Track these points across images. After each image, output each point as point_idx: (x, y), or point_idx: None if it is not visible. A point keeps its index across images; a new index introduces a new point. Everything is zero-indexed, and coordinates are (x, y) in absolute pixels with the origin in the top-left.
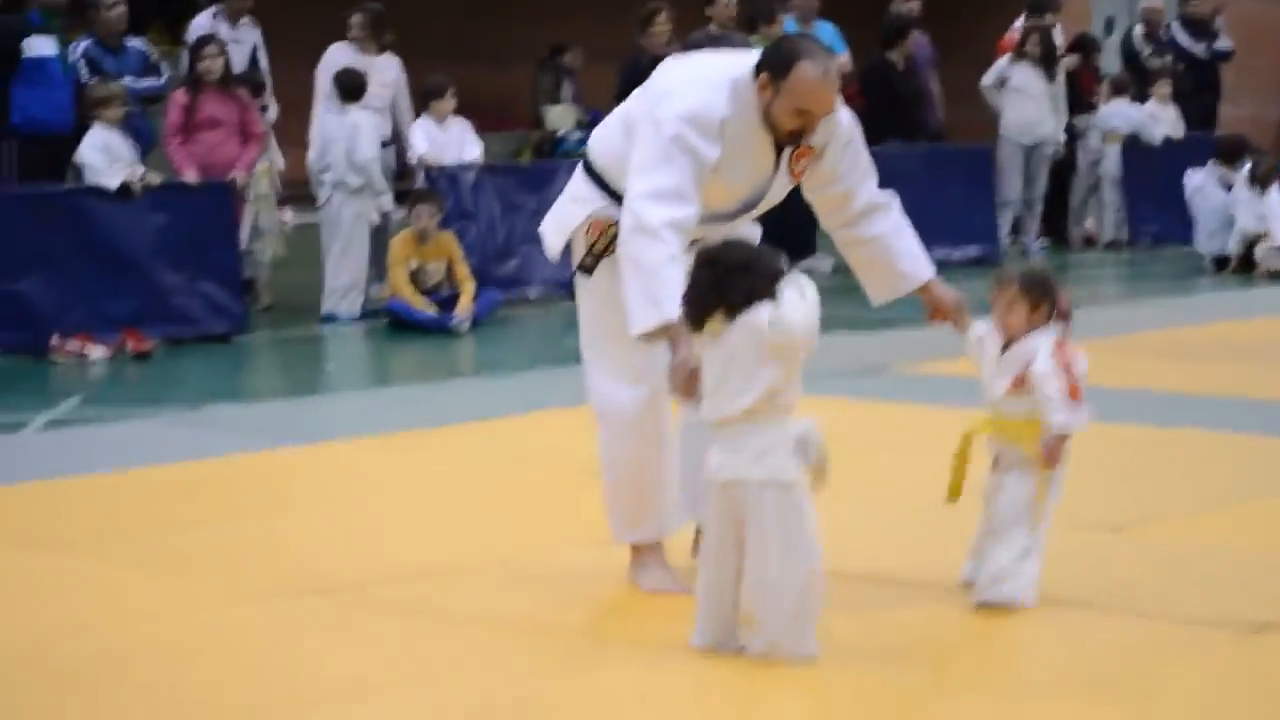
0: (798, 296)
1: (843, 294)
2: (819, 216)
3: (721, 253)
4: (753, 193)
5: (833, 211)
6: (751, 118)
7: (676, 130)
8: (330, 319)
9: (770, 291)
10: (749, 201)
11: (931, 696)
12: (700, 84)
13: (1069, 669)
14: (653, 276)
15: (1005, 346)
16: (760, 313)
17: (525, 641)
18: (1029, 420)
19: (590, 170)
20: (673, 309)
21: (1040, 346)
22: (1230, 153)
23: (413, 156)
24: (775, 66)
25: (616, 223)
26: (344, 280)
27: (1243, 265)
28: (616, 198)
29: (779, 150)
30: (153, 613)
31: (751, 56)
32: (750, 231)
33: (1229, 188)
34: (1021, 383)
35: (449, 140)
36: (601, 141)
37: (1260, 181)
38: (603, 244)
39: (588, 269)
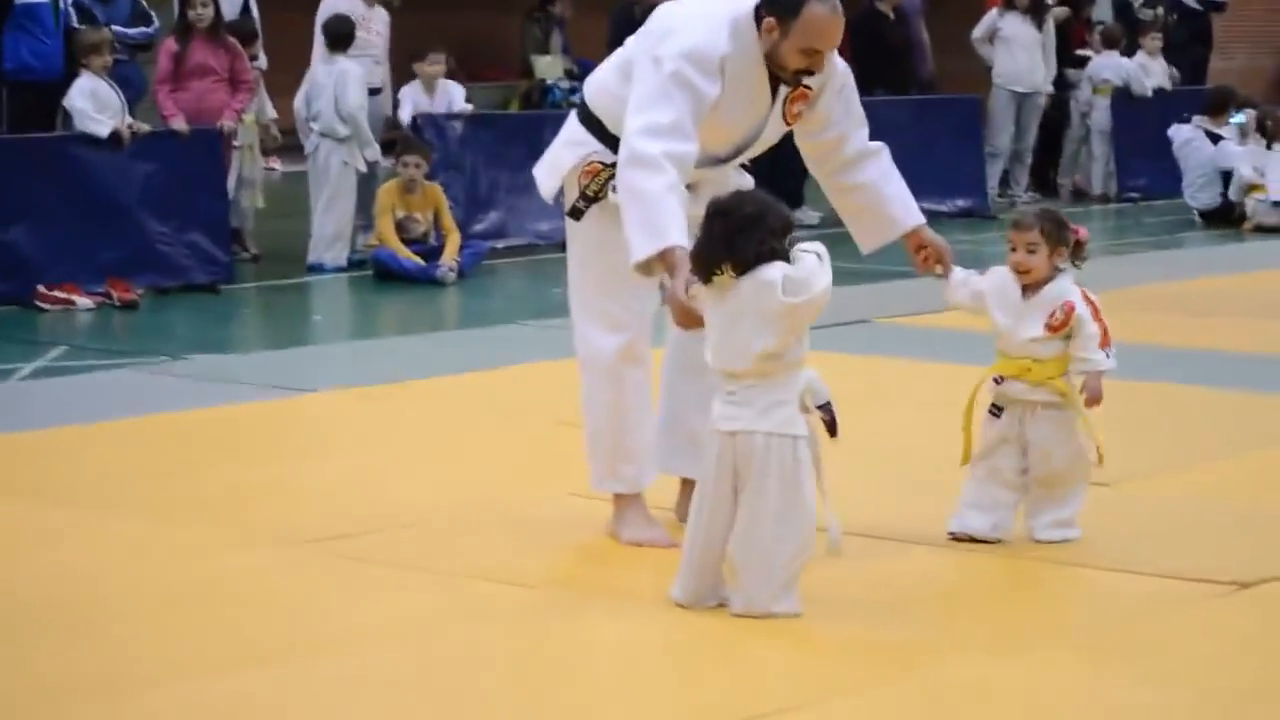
0: (816, 261)
1: (827, 246)
2: (809, 164)
3: (733, 205)
4: (747, 135)
5: (823, 158)
6: (751, 57)
7: (676, 66)
8: (317, 268)
9: (781, 246)
10: (743, 144)
11: (916, 651)
12: (700, 21)
13: (1055, 624)
14: (652, 205)
15: (1025, 290)
16: (773, 270)
17: (510, 592)
18: (1058, 359)
19: (585, 114)
20: (672, 237)
21: (1070, 289)
22: (1217, 106)
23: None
24: (784, 7)
25: (610, 167)
26: (330, 229)
27: (1230, 218)
28: (611, 142)
29: (774, 93)
30: (142, 561)
31: (745, 1)
32: (742, 181)
33: (1216, 140)
34: (1060, 325)
35: (435, 107)
36: (598, 85)
37: (1266, 134)
38: (595, 188)
39: (578, 213)
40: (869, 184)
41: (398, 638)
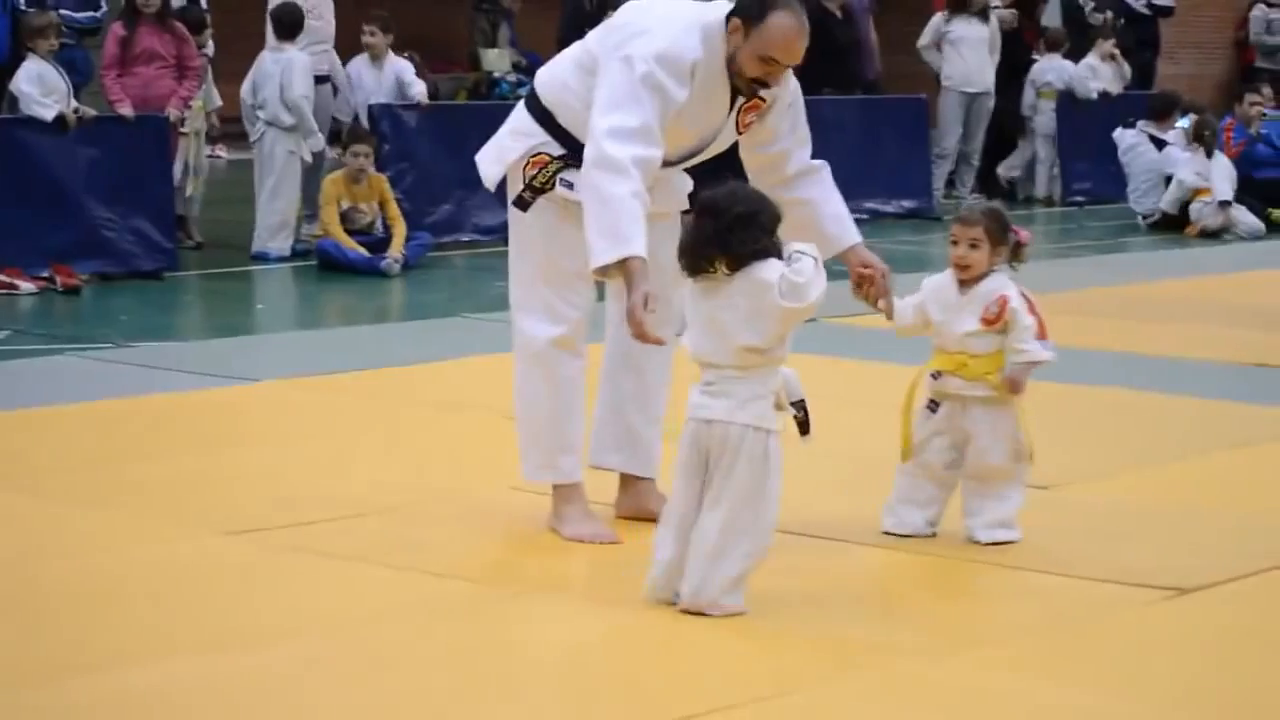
0: (813, 266)
1: None
2: (751, 176)
3: (726, 201)
4: (701, 140)
5: (765, 172)
6: (718, 63)
7: (648, 68)
8: (261, 257)
9: (773, 243)
10: (695, 149)
11: (853, 650)
12: (673, 24)
13: (992, 625)
14: (616, 211)
15: (962, 285)
16: (769, 271)
17: (452, 585)
18: (993, 355)
19: (536, 106)
20: (633, 246)
21: (1005, 283)
22: (1162, 110)
23: (343, 101)
24: (751, 11)
25: (557, 159)
26: (275, 219)
27: (1175, 223)
28: (561, 136)
29: (732, 101)
30: (83, 548)
31: (720, 5)
32: (684, 183)
33: (1161, 145)
34: (995, 319)
35: (382, 79)
36: (552, 78)
37: (1203, 143)
38: (542, 179)
39: (524, 204)
40: (808, 201)
41: (339, 629)
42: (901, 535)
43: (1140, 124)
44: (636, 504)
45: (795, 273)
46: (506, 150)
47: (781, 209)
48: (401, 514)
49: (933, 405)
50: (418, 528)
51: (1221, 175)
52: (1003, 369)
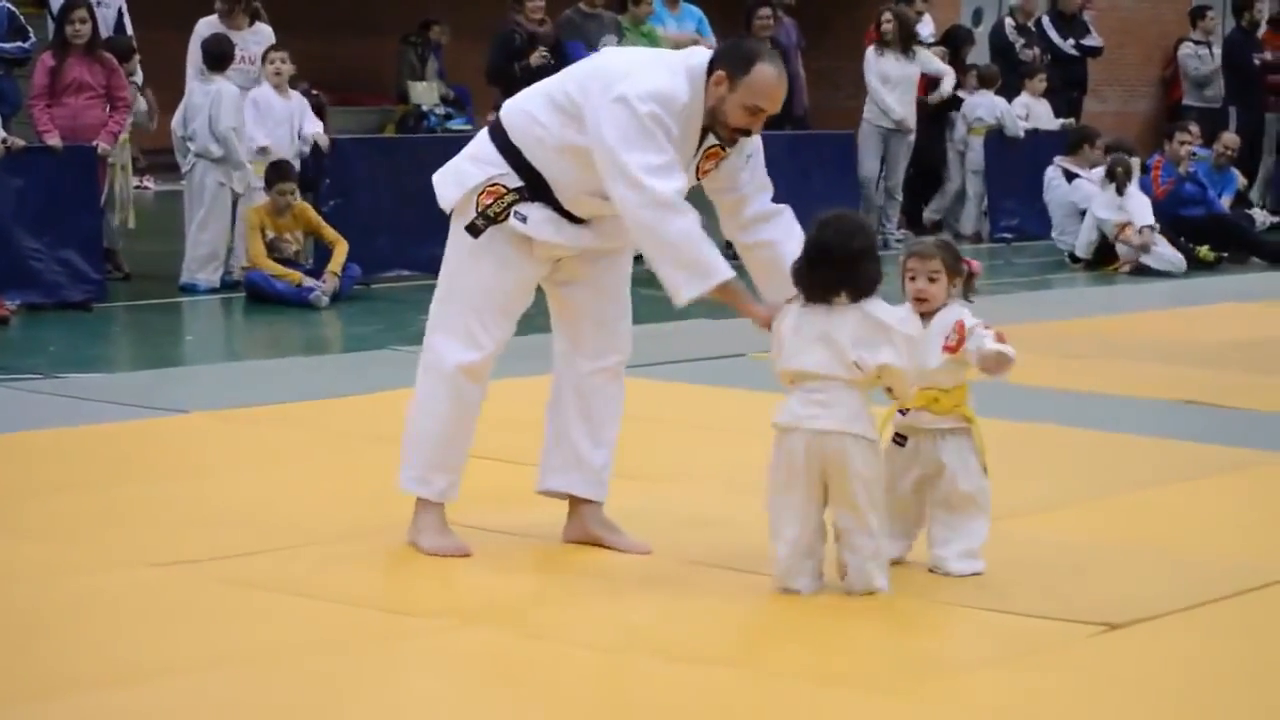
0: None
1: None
2: (720, 218)
3: (846, 234)
4: None
5: (725, 215)
6: (697, 109)
7: (649, 108)
8: (189, 288)
9: (878, 275)
10: None
11: (781, 687)
12: (659, 67)
13: (926, 662)
14: (692, 243)
15: (922, 319)
16: (886, 311)
17: (380, 618)
18: (961, 386)
19: (500, 137)
20: (723, 270)
21: (959, 310)
22: (1074, 144)
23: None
24: (736, 63)
25: (512, 191)
26: (204, 250)
27: (1099, 260)
28: (523, 169)
29: (698, 146)
30: (6, 580)
31: (699, 52)
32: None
33: (1073, 179)
34: (956, 345)
35: (288, 110)
36: (520, 113)
37: (1116, 180)
38: (496, 209)
39: (476, 231)
40: (769, 242)
41: (266, 660)
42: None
43: (1056, 159)
44: (583, 529)
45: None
46: (465, 175)
47: (746, 251)
48: (329, 546)
49: (899, 439)
50: (345, 560)
51: (1138, 205)
52: (965, 399)
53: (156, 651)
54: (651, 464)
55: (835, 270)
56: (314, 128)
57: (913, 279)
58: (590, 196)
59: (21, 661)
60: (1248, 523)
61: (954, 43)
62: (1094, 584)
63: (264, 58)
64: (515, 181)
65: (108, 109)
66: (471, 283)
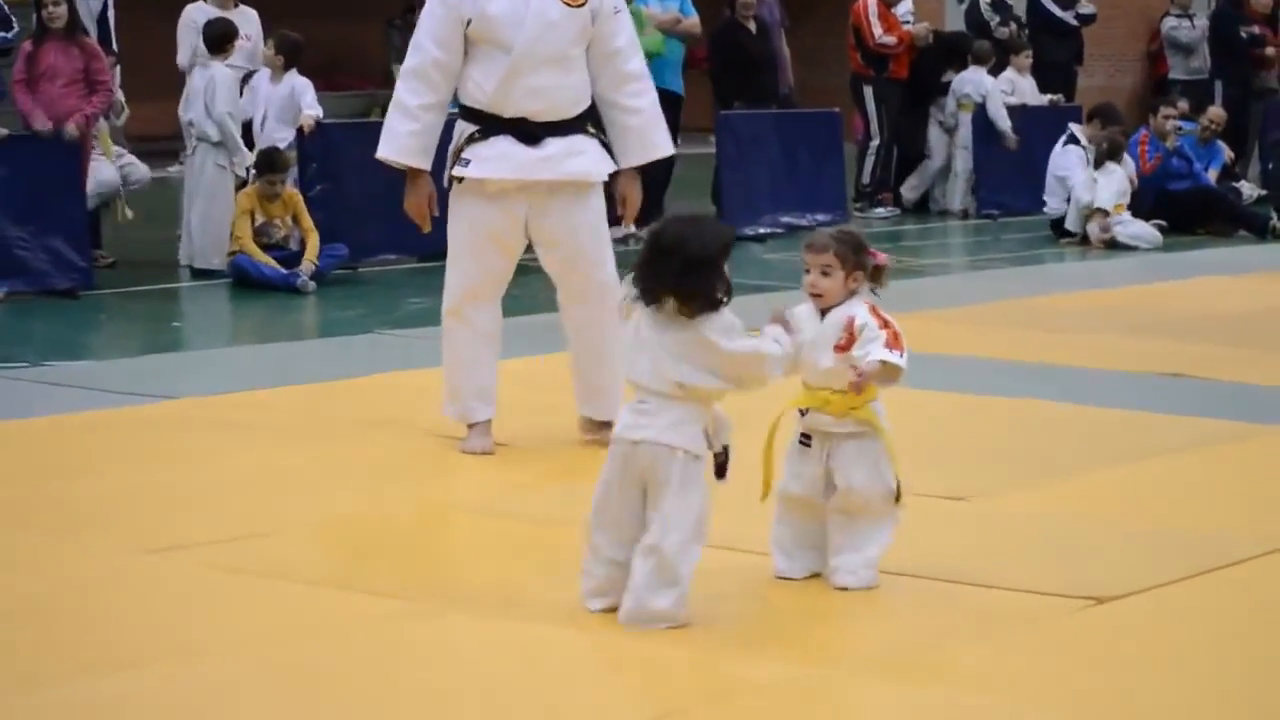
0: (776, 354)
1: None
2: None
3: (680, 242)
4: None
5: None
6: None
7: None
8: (189, 272)
9: (725, 286)
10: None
11: (764, 664)
12: None
13: (908, 638)
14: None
15: (822, 314)
16: (728, 340)
17: (369, 601)
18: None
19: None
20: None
21: (854, 305)
22: (1090, 116)
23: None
24: None
25: (465, 138)
26: (204, 234)
27: (1069, 233)
28: (467, 114)
29: None
30: (1, 567)
31: None
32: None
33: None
34: (845, 345)
35: (275, 97)
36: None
37: (1095, 159)
38: (452, 160)
39: (451, 186)
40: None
41: (259, 645)
42: (797, 579)
43: (1071, 124)
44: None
45: (755, 352)
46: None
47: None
48: (319, 530)
49: (805, 439)
50: (337, 544)
51: (1103, 186)
52: (869, 401)
53: (148, 637)
54: None
55: (667, 273)
56: (312, 111)
57: (807, 272)
58: (500, 80)
59: (12, 649)
60: (1233, 496)
61: (955, 42)
62: (1080, 558)
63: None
64: (469, 128)
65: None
66: (460, 235)
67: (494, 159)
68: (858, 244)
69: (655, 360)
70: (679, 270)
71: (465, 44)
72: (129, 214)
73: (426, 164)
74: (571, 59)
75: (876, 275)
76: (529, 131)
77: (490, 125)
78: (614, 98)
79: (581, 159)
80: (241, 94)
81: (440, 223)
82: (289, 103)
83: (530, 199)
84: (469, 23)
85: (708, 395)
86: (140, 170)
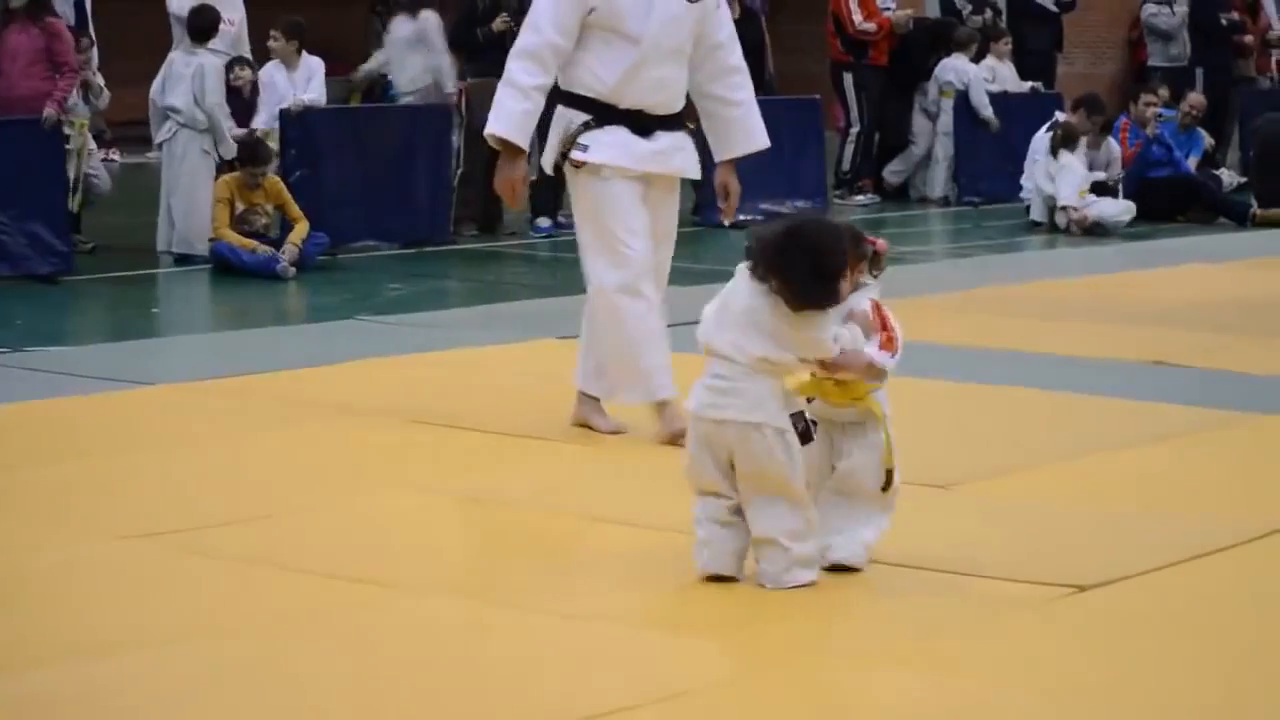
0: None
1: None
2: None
3: (816, 246)
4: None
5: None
6: None
7: None
8: (172, 258)
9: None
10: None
11: (750, 652)
12: None
13: (891, 625)
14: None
15: None
16: (827, 332)
17: (353, 588)
18: (854, 381)
19: (559, 97)
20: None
21: (859, 301)
22: (1074, 105)
23: (259, 121)
24: None
25: (579, 127)
26: (187, 220)
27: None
28: (575, 102)
29: None
30: None
31: None
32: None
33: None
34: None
35: (295, 82)
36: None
37: (1052, 147)
38: (566, 147)
39: (574, 170)
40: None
41: (233, 632)
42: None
43: (1058, 113)
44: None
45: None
46: (550, 147)
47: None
48: (298, 517)
49: (813, 424)
50: (320, 531)
51: (1064, 179)
52: (870, 390)
53: (128, 623)
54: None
55: (791, 270)
56: (313, 95)
57: None
58: (624, 71)
59: None
60: (1216, 484)
61: (941, 29)
62: (1061, 546)
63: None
64: (580, 117)
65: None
66: (590, 216)
67: (614, 146)
68: (856, 237)
69: (743, 333)
70: (807, 273)
71: (580, 30)
72: (74, 206)
73: (527, 144)
74: (687, 53)
75: (876, 261)
76: (642, 124)
77: (604, 114)
78: (715, 90)
79: (685, 155)
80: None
81: (417, 207)
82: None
83: (641, 186)
84: (591, 10)
85: (787, 370)
86: (103, 184)
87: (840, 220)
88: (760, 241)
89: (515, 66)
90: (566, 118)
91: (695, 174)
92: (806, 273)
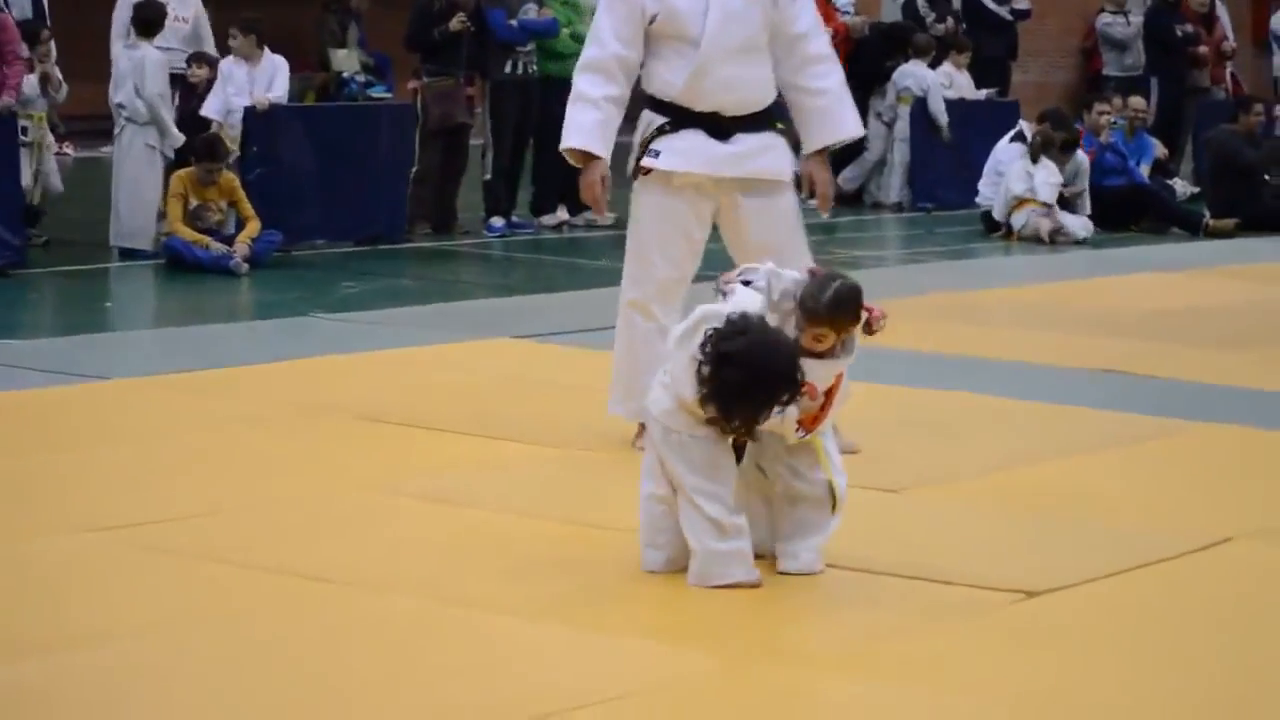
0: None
1: (622, 245)
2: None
3: (743, 358)
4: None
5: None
6: None
7: None
8: (118, 253)
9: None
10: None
11: (694, 656)
12: None
13: (839, 630)
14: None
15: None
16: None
17: (302, 585)
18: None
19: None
20: (575, 140)
21: (835, 369)
22: (1039, 117)
23: (209, 109)
24: None
25: (655, 130)
26: (135, 214)
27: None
28: (653, 105)
29: None
30: None
31: None
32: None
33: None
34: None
35: (254, 79)
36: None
37: (1031, 153)
38: (640, 153)
39: (635, 176)
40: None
41: (189, 627)
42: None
43: (1021, 122)
44: None
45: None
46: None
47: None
48: (251, 513)
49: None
50: (270, 527)
51: (1040, 181)
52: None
53: (79, 619)
54: (564, 430)
55: (723, 390)
56: (277, 94)
57: (803, 332)
58: (690, 75)
59: None
60: (1165, 492)
61: (897, 33)
62: (1011, 552)
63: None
64: (657, 120)
65: None
66: (638, 226)
67: (685, 152)
68: (857, 298)
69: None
70: (733, 397)
71: (647, 39)
72: (36, 199)
73: (606, 152)
74: (758, 49)
75: (868, 326)
76: (721, 126)
77: (681, 118)
78: (798, 81)
79: (770, 156)
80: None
81: (372, 205)
82: (268, 85)
83: (721, 193)
84: (653, 19)
85: None
86: (54, 185)
87: (850, 280)
88: (717, 341)
89: (581, 80)
90: (646, 120)
91: (782, 175)
92: (733, 396)
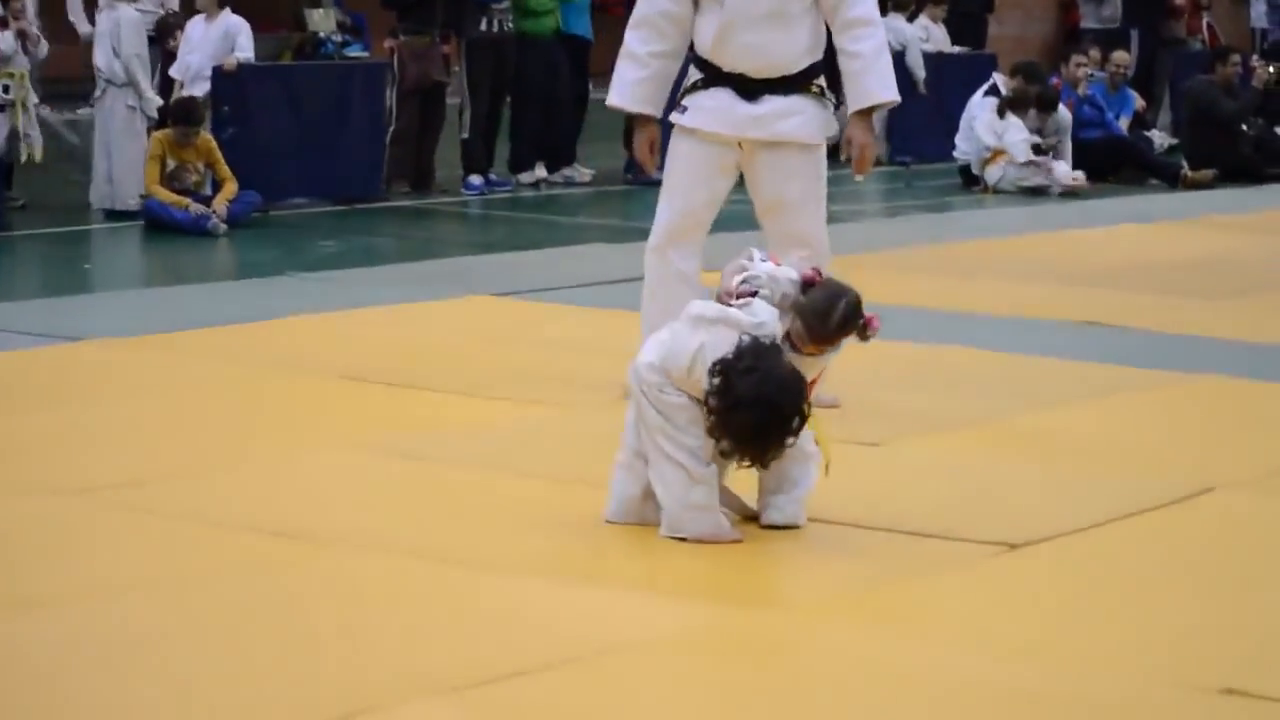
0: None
1: (600, 202)
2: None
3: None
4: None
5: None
6: None
7: None
8: (100, 213)
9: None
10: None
11: (681, 609)
12: None
13: (823, 583)
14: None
15: None
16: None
17: (285, 545)
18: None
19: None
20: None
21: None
22: (1011, 71)
23: (175, 69)
24: None
25: (692, 84)
26: (117, 174)
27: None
28: (696, 61)
29: None
30: None
31: None
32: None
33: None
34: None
35: (209, 36)
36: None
37: (999, 107)
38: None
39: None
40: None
41: (167, 587)
42: None
43: (995, 75)
44: None
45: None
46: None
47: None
48: (230, 473)
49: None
50: (246, 486)
51: (1013, 139)
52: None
53: (59, 579)
54: (545, 386)
55: (740, 429)
56: (243, 53)
57: (803, 345)
58: (714, 36)
59: None
60: (1147, 443)
61: None
62: (992, 504)
63: None
64: (694, 76)
65: None
66: (667, 172)
67: (710, 110)
68: (856, 308)
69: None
70: (749, 437)
71: None
72: (38, 157)
73: (656, 110)
74: (791, 15)
75: (863, 332)
76: (748, 87)
77: (712, 76)
78: (841, 43)
79: (795, 120)
80: (169, 40)
81: (349, 164)
82: (223, 44)
83: (746, 148)
84: None
85: None
86: (36, 148)
87: (852, 295)
88: (726, 378)
89: (630, 36)
90: (690, 73)
91: (810, 139)
92: (746, 440)
